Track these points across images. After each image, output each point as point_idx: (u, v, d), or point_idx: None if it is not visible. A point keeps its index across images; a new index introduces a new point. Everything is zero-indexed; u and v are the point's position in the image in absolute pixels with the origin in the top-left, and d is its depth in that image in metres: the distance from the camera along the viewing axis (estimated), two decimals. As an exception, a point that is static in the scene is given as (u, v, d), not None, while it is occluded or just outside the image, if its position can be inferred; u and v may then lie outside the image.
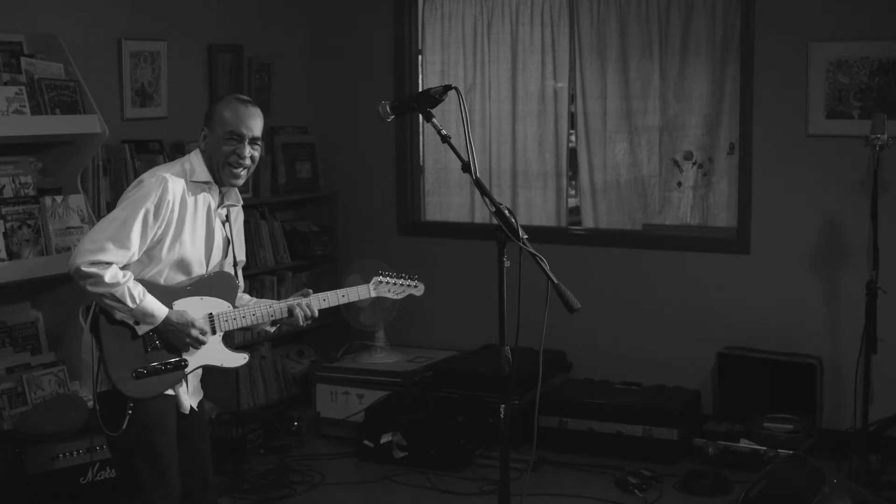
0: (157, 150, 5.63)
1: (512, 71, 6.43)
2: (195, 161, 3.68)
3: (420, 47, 6.63)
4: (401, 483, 5.37)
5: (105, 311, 3.54)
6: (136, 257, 3.54)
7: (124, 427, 3.52)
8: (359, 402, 6.00)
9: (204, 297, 3.68)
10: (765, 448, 5.34)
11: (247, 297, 3.89)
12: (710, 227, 6.06)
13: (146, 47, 5.67)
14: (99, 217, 5.11)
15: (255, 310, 3.76)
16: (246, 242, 4.00)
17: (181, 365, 3.64)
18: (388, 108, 3.63)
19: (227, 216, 3.79)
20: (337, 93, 6.74)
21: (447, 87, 3.54)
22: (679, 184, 6.12)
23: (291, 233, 6.49)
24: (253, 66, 6.36)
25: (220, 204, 3.74)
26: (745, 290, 5.87)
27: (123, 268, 3.52)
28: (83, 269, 3.47)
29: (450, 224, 6.65)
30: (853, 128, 5.50)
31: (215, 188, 3.71)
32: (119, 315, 3.53)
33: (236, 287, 3.79)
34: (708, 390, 5.89)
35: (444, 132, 3.50)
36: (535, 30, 6.36)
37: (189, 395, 3.73)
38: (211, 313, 3.69)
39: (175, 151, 5.73)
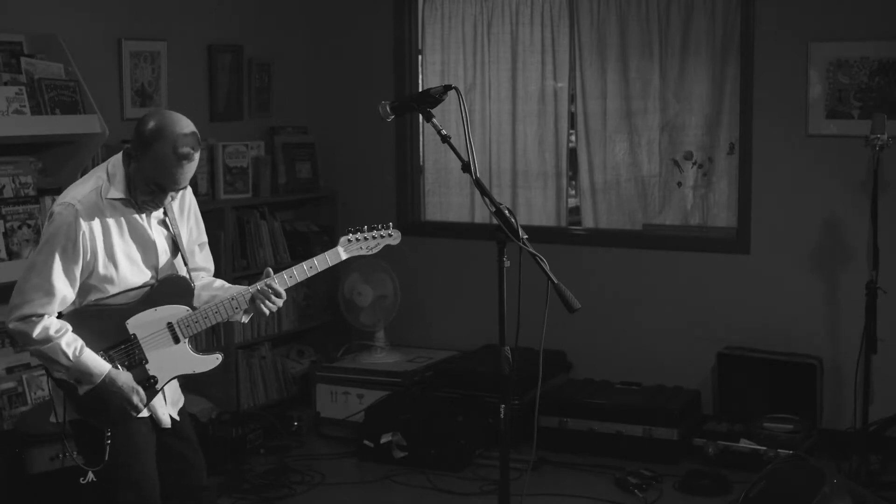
0: (157, 150, 5.63)
1: (512, 71, 6.43)
2: (113, 173, 3.36)
3: (420, 47, 6.62)
4: (401, 483, 5.37)
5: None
6: (70, 298, 3.29)
7: (107, 458, 3.33)
8: (359, 402, 6.00)
9: (158, 308, 3.43)
10: (765, 448, 5.34)
11: (219, 282, 3.64)
12: (710, 227, 6.06)
13: (146, 47, 5.67)
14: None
15: (217, 307, 3.47)
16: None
17: (152, 384, 3.42)
18: (388, 108, 3.63)
19: (165, 212, 3.47)
20: (337, 93, 6.74)
21: (447, 87, 3.54)
22: (679, 184, 6.12)
23: (291, 233, 6.49)
24: (253, 66, 6.36)
25: (148, 214, 3.43)
26: (745, 290, 5.87)
27: (62, 314, 3.27)
28: (11, 327, 3.23)
29: (450, 224, 6.65)
30: (853, 128, 5.50)
31: (132, 203, 3.38)
32: (56, 374, 3.29)
33: (191, 288, 3.50)
34: (708, 390, 5.89)
35: (444, 132, 3.50)
36: (535, 30, 6.36)
37: (168, 406, 3.54)
38: (170, 322, 3.44)
39: (175, 151, 5.73)
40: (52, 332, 3.23)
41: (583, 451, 5.62)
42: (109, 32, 5.51)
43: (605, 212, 6.33)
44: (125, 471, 3.39)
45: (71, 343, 3.25)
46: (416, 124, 6.63)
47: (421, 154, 6.70)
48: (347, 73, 6.70)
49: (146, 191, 3.34)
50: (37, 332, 3.22)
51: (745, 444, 5.41)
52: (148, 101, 5.69)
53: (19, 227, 4.73)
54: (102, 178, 3.36)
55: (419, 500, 5.21)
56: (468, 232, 6.50)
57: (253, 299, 3.48)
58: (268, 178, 6.29)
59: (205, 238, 3.66)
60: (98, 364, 3.29)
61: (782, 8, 5.69)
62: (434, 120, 3.53)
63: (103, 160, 5.21)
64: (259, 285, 3.50)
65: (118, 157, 3.40)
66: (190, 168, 3.32)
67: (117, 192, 3.35)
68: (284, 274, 3.54)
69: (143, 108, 5.66)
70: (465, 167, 3.45)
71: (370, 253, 3.70)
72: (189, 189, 3.52)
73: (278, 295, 3.50)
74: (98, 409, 3.35)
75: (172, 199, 3.42)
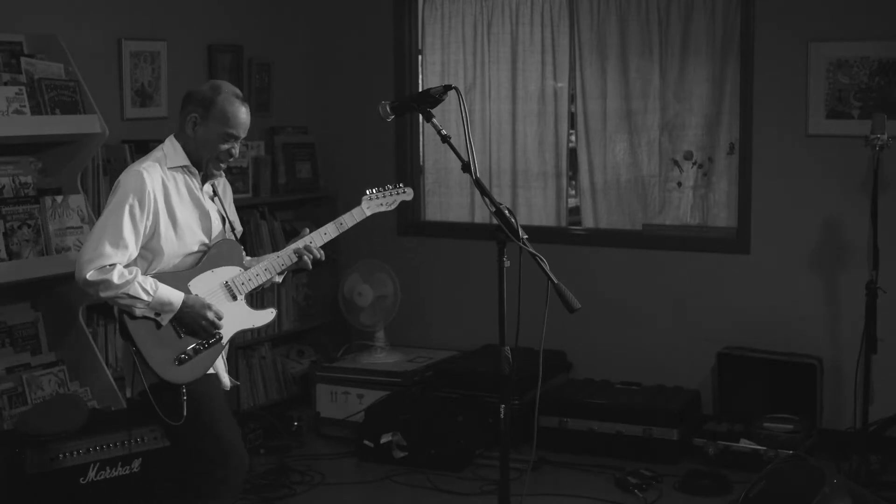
0: (157, 150, 5.63)
1: (512, 71, 6.43)
2: (169, 148, 3.72)
3: (420, 47, 6.62)
4: (401, 483, 5.37)
5: (125, 311, 3.59)
6: (135, 254, 3.60)
7: (185, 414, 3.58)
8: (359, 402, 6.00)
9: (215, 270, 3.74)
10: (765, 448, 5.34)
11: (248, 258, 3.95)
12: (710, 227, 6.06)
13: (146, 47, 5.67)
14: (99, 216, 5.11)
15: (265, 265, 3.81)
16: (246, 242, 4.04)
17: (218, 339, 3.71)
18: (388, 108, 3.64)
19: (215, 191, 3.83)
20: (337, 93, 6.74)
21: (447, 87, 3.55)
22: (679, 184, 6.12)
23: (291, 233, 6.48)
24: (253, 66, 6.36)
25: (203, 184, 3.78)
26: (745, 290, 5.87)
27: (128, 265, 3.57)
28: (89, 278, 3.53)
29: (450, 224, 6.64)
30: (853, 128, 5.50)
31: (195, 171, 3.74)
32: (138, 311, 3.57)
33: (241, 250, 3.86)
34: (708, 390, 5.89)
35: (444, 132, 3.51)
36: (535, 30, 6.36)
37: (223, 372, 3.83)
38: (226, 281, 3.75)
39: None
40: (128, 275, 3.54)
41: (583, 451, 5.62)
42: (109, 32, 5.51)
43: (605, 212, 6.33)
44: (210, 425, 3.67)
45: (146, 280, 3.57)
46: (416, 124, 6.63)
47: (421, 154, 6.70)
48: (347, 72, 6.71)
49: (214, 150, 3.68)
50: (115, 276, 3.52)
51: (745, 444, 5.41)
52: (148, 101, 5.69)
53: (19, 227, 4.73)
54: (161, 153, 3.71)
55: (419, 500, 5.21)
56: (468, 232, 6.50)
57: (299, 255, 3.83)
58: (268, 178, 6.30)
59: (240, 227, 3.97)
60: (174, 293, 3.61)
61: (782, 8, 5.69)
62: (434, 120, 3.54)
63: (103, 160, 5.28)
64: (300, 243, 3.85)
65: (170, 138, 3.74)
66: (248, 114, 3.73)
67: (178, 160, 3.69)
68: (320, 231, 3.90)
69: (143, 108, 5.67)
70: (465, 167, 3.46)
71: (388, 209, 4.04)
72: (228, 184, 3.93)
73: (321, 255, 3.87)
74: (182, 333, 3.66)
75: (232, 157, 3.74)
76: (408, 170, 6.64)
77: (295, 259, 3.84)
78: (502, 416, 3.43)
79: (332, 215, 6.57)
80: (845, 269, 5.64)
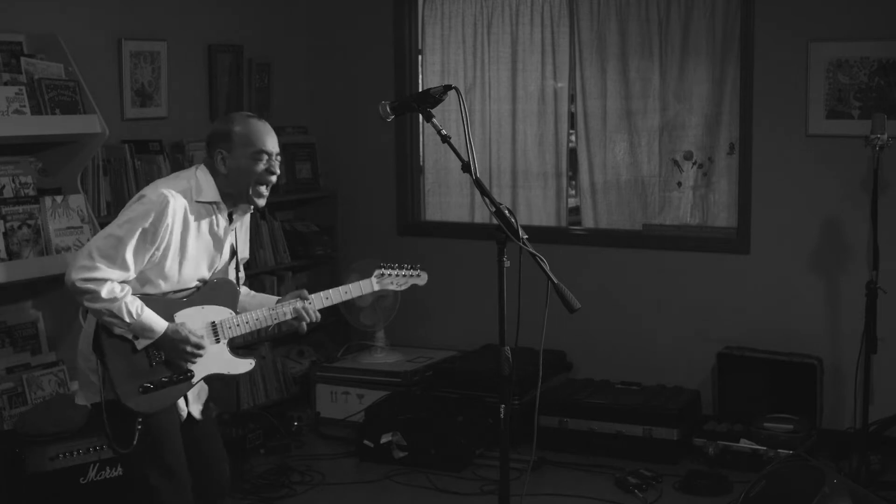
0: (157, 150, 5.64)
1: (512, 71, 6.43)
2: (202, 179, 3.60)
3: (420, 47, 6.62)
4: (401, 483, 5.37)
5: (104, 326, 3.50)
6: (131, 278, 3.50)
7: (135, 443, 3.51)
8: (359, 402, 6.00)
9: (205, 307, 3.64)
10: (765, 448, 5.34)
11: (245, 289, 3.84)
12: (710, 227, 6.06)
13: (146, 47, 5.67)
14: (99, 217, 5.12)
15: (258, 315, 3.71)
16: (249, 267, 3.99)
17: (188, 376, 3.61)
18: (388, 108, 3.63)
19: (237, 227, 3.75)
20: (337, 93, 6.74)
21: (447, 87, 3.54)
22: (679, 184, 6.12)
23: (291, 233, 6.49)
24: (253, 66, 6.36)
25: (231, 223, 3.68)
26: (745, 290, 5.87)
27: (121, 282, 3.49)
28: (78, 285, 3.44)
29: (450, 224, 6.65)
30: (853, 128, 5.50)
31: (223, 208, 3.63)
32: (117, 330, 3.49)
33: (237, 293, 3.75)
34: (708, 390, 5.89)
35: (444, 132, 3.50)
36: (535, 30, 6.36)
37: (192, 403, 3.72)
38: (213, 321, 3.65)
39: (175, 151, 5.74)
40: (118, 292, 3.45)
41: (583, 451, 5.62)
42: (109, 32, 5.51)
43: (605, 212, 6.33)
44: (158, 457, 3.57)
45: (133, 302, 3.47)
46: (416, 124, 6.63)
47: (421, 154, 6.70)
48: (347, 73, 6.71)
49: (252, 175, 3.56)
50: (105, 291, 3.43)
51: (745, 444, 5.41)
52: (148, 101, 5.70)
53: (19, 227, 4.73)
54: (192, 182, 3.58)
55: (419, 500, 5.21)
56: (468, 232, 6.50)
57: (297, 317, 3.73)
58: (268, 178, 6.28)
59: (247, 254, 3.88)
60: (158, 321, 3.52)
61: (782, 8, 5.69)
62: (434, 120, 3.54)
63: (103, 160, 5.27)
64: (298, 304, 3.73)
65: (202, 167, 3.62)
66: (270, 128, 3.63)
67: (209, 196, 3.58)
68: (321, 295, 3.78)
69: (143, 108, 5.67)
70: (465, 167, 3.45)
71: (398, 289, 3.96)
72: (248, 215, 3.79)
73: (317, 318, 3.76)
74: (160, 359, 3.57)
75: (273, 175, 3.61)
76: (408, 170, 6.65)
77: (291, 317, 3.73)
78: (502, 416, 3.43)
79: (332, 215, 6.72)
80: (845, 269, 5.64)
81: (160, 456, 3.57)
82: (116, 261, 3.44)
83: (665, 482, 5.27)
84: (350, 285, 3.83)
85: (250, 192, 3.61)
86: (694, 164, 6.08)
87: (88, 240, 3.67)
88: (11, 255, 4.68)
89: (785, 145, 5.74)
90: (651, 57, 6.10)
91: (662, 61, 6.08)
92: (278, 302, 3.79)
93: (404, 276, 3.93)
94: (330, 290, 3.80)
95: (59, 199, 4.88)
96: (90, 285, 3.43)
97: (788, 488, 4.21)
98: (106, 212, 5.29)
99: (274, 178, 3.64)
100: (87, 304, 3.46)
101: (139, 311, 3.47)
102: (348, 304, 6.30)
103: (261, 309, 3.73)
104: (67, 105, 4.90)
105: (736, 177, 5.92)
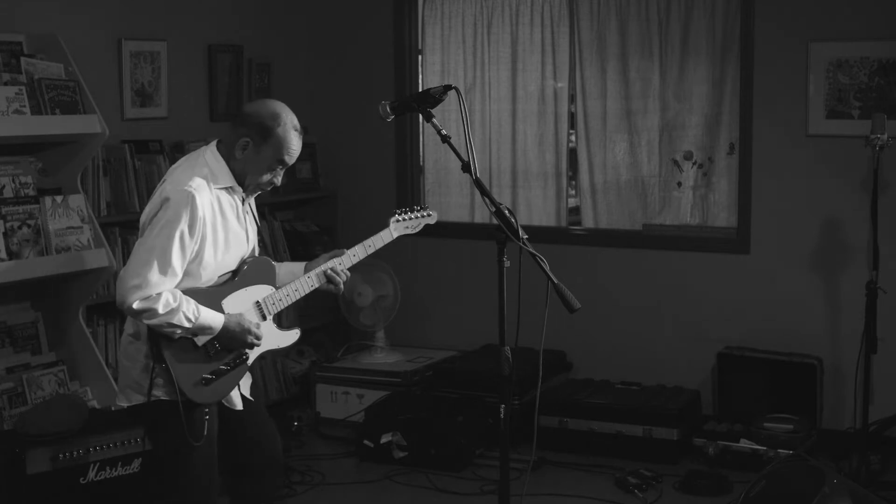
0: (157, 150, 5.64)
1: (512, 71, 6.43)
2: (215, 165, 3.60)
3: (420, 47, 6.63)
4: (401, 483, 5.37)
5: (163, 336, 3.51)
6: (180, 277, 3.51)
7: (205, 433, 3.57)
8: (359, 402, 6.00)
9: (248, 288, 3.69)
10: (765, 448, 5.34)
11: (275, 265, 3.87)
12: (710, 227, 6.06)
13: (146, 47, 5.67)
14: (99, 217, 5.12)
15: (296, 286, 3.77)
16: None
17: (244, 359, 3.68)
18: (388, 108, 3.64)
19: (248, 203, 3.78)
20: (337, 93, 6.74)
21: (447, 87, 3.54)
22: (679, 184, 6.12)
23: (291, 233, 6.49)
24: (253, 66, 6.36)
25: (244, 203, 3.72)
26: (745, 290, 5.87)
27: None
28: (136, 307, 3.43)
29: (450, 224, 6.64)
30: (853, 128, 5.50)
31: (238, 190, 3.66)
32: (177, 336, 3.51)
33: (274, 268, 3.81)
34: (708, 390, 5.89)
35: (444, 132, 3.50)
36: (535, 30, 6.36)
37: (243, 384, 3.76)
38: (258, 300, 3.71)
39: (175, 151, 5.73)
40: (172, 302, 3.45)
41: (583, 451, 5.62)
42: (109, 32, 5.52)
43: (605, 212, 6.33)
44: (190, 455, 3.59)
45: (189, 306, 3.48)
46: (416, 124, 6.63)
47: (421, 154, 6.70)
48: (348, 73, 6.70)
49: (260, 176, 3.62)
50: (161, 306, 3.43)
51: (745, 444, 5.41)
52: (148, 102, 5.70)
53: (19, 227, 4.73)
54: (207, 170, 3.58)
55: (419, 500, 5.21)
56: (468, 232, 6.50)
57: (330, 279, 3.81)
58: (268, 178, 6.29)
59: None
60: (215, 317, 3.55)
61: (782, 8, 5.69)
62: (434, 120, 3.54)
63: (103, 160, 5.27)
64: (330, 265, 3.82)
65: (212, 149, 3.63)
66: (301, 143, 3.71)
67: (224, 181, 3.60)
68: (349, 252, 3.89)
69: (143, 108, 5.67)
70: (465, 167, 3.46)
71: (413, 232, 4.11)
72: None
73: (346, 276, 3.87)
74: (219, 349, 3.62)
75: (274, 185, 3.72)
76: (408, 170, 6.64)
77: (324, 280, 3.81)
78: (502, 416, 3.43)
79: (332, 215, 6.72)
80: (845, 269, 5.64)
81: (194, 452, 3.60)
82: (166, 271, 3.44)
83: (665, 482, 5.27)
84: (371, 238, 3.94)
85: (247, 186, 3.66)
86: (694, 164, 6.08)
87: (127, 259, 3.63)
88: (11, 255, 4.68)
89: (785, 145, 5.74)
90: (651, 57, 6.10)
91: (662, 61, 6.08)
92: (309, 263, 3.86)
93: (417, 218, 4.10)
94: (356, 247, 3.90)
95: (59, 199, 4.88)
96: (146, 304, 3.42)
97: (788, 488, 4.21)
98: (106, 212, 5.29)
99: (272, 187, 3.72)
100: (146, 321, 3.45)
101: (196, 314, 3.49)
102: (348, 304, 6.31)
103: (298, 280, 3.79)
104: (67, 105, 4.90)
105: (736, 177, 5.92)
